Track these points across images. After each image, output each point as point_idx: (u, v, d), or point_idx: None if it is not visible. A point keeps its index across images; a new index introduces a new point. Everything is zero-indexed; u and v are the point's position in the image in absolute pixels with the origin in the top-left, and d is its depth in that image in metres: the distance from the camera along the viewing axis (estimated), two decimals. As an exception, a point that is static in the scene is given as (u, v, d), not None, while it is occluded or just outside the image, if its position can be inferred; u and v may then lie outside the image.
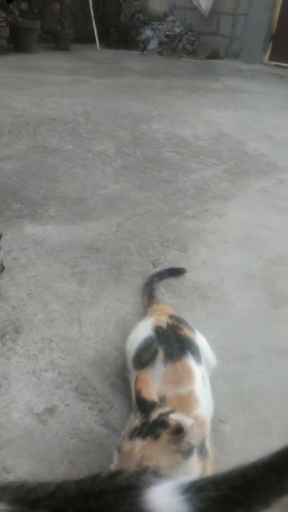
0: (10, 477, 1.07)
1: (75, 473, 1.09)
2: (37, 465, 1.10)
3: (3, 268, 1.74)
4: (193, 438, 0.89)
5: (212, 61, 7.44)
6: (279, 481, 0.57)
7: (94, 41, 7.42)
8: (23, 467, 1.10)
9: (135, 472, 0.69)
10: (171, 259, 1.99)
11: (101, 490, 0.57)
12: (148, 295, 1.65)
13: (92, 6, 7.20)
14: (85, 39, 7.57)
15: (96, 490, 0.57)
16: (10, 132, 3.32)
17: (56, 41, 7.12)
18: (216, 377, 1.34)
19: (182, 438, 0.89)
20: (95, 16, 7.28)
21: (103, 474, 0.60)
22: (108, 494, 0.56)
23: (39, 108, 3.95)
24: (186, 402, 1.09)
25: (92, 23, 7.28)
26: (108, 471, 0.91)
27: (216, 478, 0.58)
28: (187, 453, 0.91)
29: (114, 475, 0.60)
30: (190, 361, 1.21)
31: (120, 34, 7.72)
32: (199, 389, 1.14)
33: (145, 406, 0.97)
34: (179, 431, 0.89)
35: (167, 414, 0.94)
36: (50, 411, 1.24)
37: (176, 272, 1.88)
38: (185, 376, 1.16)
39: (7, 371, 1.35)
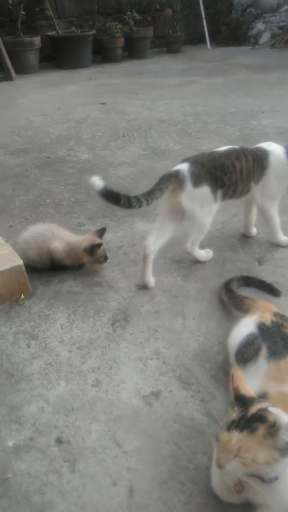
0: (119, 451, 1.17)
1: (180, 454, 1.15)
2: (144, 442, 1.19)
3: (106, 258, 1.88)
4: None
5: None
6: None
7: (205, 41, 7.45)
8: (132, 443, 1.19)
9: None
10: (278, 257, 1.94)
11: None
12: (229, 292, 1.65)
13: (203, 6, 7.24)
14: (196, 40, 7.64)
15: None
16: (124, 136, 3.53)
17: (167, 45, 7.32)
18: None
19: (277, 433, 0.88)
20: (206, 16, 7.30)
21: None
22: None
23: (150, 112, 4.12)
24: (289, 400, 1.07)
25: (203, 23, 7.32)
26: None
27: None
28: (284, 451, 0.90)
29: None
30: (296, 359, 1.18)
31: (231, 31, 7.61)
32: (304, 389, 1.11)
33: (244, 401, 0.98)
34: (275, 426, 0.89)
35: (266, 409, 0.94)
36: (155, 394, 1.33)
37: (269, 289, 1.70)
38: (289, 374, 1.14)
39: (117, 356, 1.47)
